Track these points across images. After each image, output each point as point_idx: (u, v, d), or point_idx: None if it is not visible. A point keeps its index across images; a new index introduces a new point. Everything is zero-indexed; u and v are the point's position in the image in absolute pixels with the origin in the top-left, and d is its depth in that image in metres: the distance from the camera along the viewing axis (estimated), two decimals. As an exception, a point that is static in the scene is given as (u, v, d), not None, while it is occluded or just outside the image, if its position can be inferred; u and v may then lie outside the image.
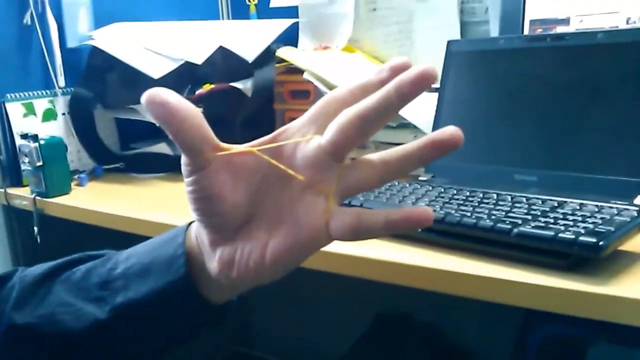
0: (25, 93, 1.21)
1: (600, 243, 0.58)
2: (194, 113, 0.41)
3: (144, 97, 0.39)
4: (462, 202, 0.75)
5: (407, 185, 0.85)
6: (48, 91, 1.25)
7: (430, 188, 0.82)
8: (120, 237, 0.94)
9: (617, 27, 0.96)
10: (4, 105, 1.18)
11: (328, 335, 1.43)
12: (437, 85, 0.99)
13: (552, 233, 0.61)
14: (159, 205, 1.04)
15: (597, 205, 0.69)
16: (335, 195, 0.42)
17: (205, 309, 0.49)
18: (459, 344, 1.31)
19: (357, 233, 0.42)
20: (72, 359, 0.51)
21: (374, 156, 0.42)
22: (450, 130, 0.40)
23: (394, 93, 0.39)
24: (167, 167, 1.23)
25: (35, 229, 1.12)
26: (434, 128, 0.95)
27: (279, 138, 0.44)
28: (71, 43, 1.28)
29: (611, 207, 0.68)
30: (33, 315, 0.51)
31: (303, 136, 0.43)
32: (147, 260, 0.50)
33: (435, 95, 0.97)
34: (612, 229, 0.61)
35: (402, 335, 1.30)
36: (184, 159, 0.43)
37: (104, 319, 0.49)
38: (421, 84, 0.39)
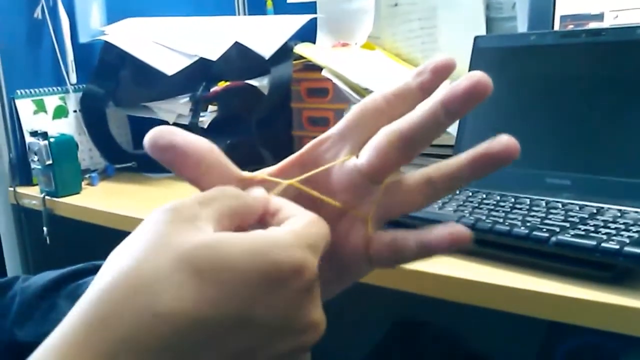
0: (36, 90, 1.18)
1: (648, 254, 0.54)
2: (208, 149, 0.36)
3: (146, 142, 0.34)
4: (492, 207, 0.71)
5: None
6: (59, 88, 1.22)
7: (458, 192, 0.78)
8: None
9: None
10: (14, 102, 1.15)
11: (343, 343, 1.40)
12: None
13: (594, 242, 0.57)
14: (172, 206, 1.00)
15: (638, 212, 0.65)
16: (374, 220, 0.38)
17: None
18: (479, 353, 1.27)
19: (396, 260, 0.38)
20: None
21: (418, 175, 0.37)
22: (505, 140, 0.35)
23: (441, 109, 0.34)
24: (181, 167, 1.19)
25: (45, 229, 1.09)
26: (459, 128, 0.90)
27: (308, 157, 0.38)
28: (83, 38, 1.25)
29: (654, 215, 0.64)
30: (35, 332, 0.47)
31: (336, 154, 0.38)
32: None
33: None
34: (659, 238, 0.57)
35: (419, 343, 1.26)
36: None
37: None
38: (474, 96, 0.34)
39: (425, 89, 0.37)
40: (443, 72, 0.36)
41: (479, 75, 0.34)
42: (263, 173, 0.38)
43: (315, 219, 0.33)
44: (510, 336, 1.12)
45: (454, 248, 0.36)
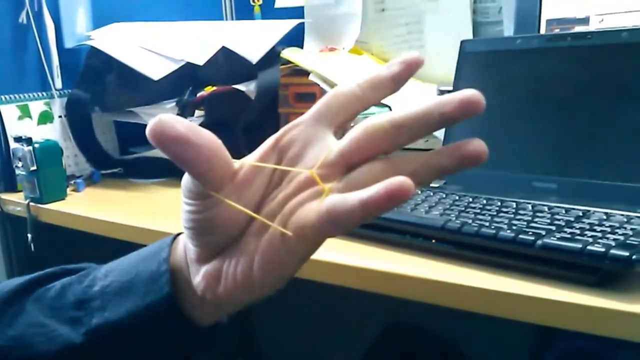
0: (21, 95, 1.17)
1: (634, 257, 0.54)
2: (218, 143, 0.37)
3: (151, 132, 0.34)
4: (478, 211, 0.70)
5: (419, 192, 0.80)
6: (44, 93, 1.21)
7: (444, 195, 0.78)
8: (118, 245, 0.90)
9: (641, 26, 0.91)
10: (-2, 107, 1.14)
11: (336, 347, 1.40)
12: (449, 88, 0.95)
13: (580, 245, 0.57)
14: (159, 212, 0.99)
15: (624, 215, 0.65)
16: (333, 192, 0.37)
17: (191, 331, 0.45)
18: (470, 357, 1.26)
19: (336, 222, 0.35)
20: None
21: (386, 158, 0.38)
22: (475, 143, 0.36)
23: (436, 109, 0.36)
24: (168, 172, 1.19)
25: (29, 236, 1.08)
26: (447, 131, 0.90)
27: (283, 140, 0.39)
28: (69, 43, 1.24)
29: (640, 217, 0.64)
30: (3, 336, 0.46)
31: (310, 135, 0.39)
32: (127, 277, 0.45)
33: (448, 97, 0.92)
34: (645, 241, 0.57)
35: (410, 348, 1.26)
36: (189, 183, 0.38)
37: (79, 342, 0.45)
38: (469, 108, 0.36)
39: (396, 80, 0.38)
40: (413, 65, 0.38)
41: (475, 92, 0.36)
42: (249, 160, 0.40)
43: None
44: (501, 340, 1.12)
45: (398, 199, 0.34)
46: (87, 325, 0.45)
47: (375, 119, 0.37)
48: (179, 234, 0.46)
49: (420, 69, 0.38)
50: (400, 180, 0.32)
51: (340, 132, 0.40)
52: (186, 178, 0.38)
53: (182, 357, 0.47)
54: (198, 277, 0.41)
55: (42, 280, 0.49)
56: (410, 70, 0.38)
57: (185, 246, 0.43)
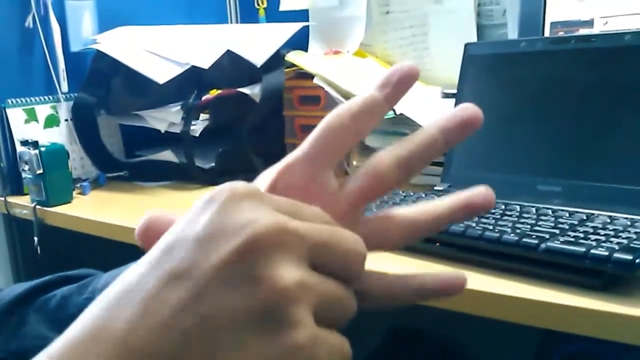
0: (27, 99, 1.18)
1: (637, 260, 0.54)
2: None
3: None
4: (482, 214, 0.70)
5: (423, 195, 0.80)
6: (50, 97, 1.21)
7: (448, 199, 0.78)
8: (124, 248, 0.90)
9: (645, 28, 0.91)
10: (5, 111, 1.14)
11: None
12: (453, 90, 0.95)
13: (583, 249, 0.57)
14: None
15: (628, 219, 0.65)
16: None
17: None
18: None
19: (389, 300, 0.37)
20: None
21: (399, 213, 0.37)
22: (483, 192, 0.36)
23: (440, 136, 0.36)
24: (173, 175, 1.19)
25: (36, 239, 1.09)
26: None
27: (277, 188, 0.36)
28: (74, 47, 1.25)
29: (644, 221, 0.64)
30: (5, 349, 0.47)
31: (307, 182, 0.36)
32: None
33: (452, 100, 0.92)
34: (649, 244, 0.57)
35: (414, 351, 1.26)
36: None
37: None
38: (469, 127, 0.36)
39: (391, 101, 0.36)
40: (408, 81, 0.36)
41: (474, 110, 0.36)
42: None
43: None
44: (505, 343, 1.12)
45: (446, 295, 0.37)
46: None
47: (382, 161, 0.35)
48: None
49: (417, 79, 0.37)
50: (459, 278, 0.37)
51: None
52: None
53: None
54: None
55: (41, 288, 0.49)
56: (407, 87, 0.36)
57: None
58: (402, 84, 0.36)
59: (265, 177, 0.36)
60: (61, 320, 0.47)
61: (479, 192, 0.35)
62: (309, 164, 0.36)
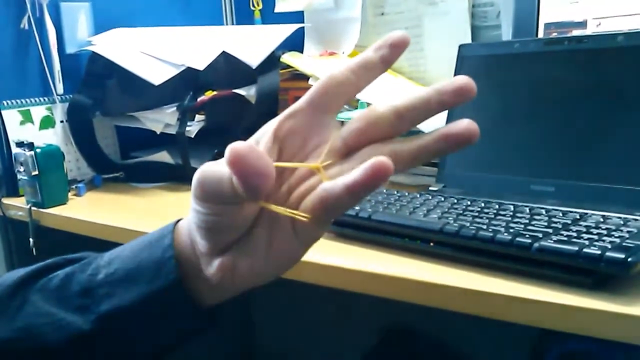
0: (22, 100, 1.18)
1: (629, 259, 0.55)
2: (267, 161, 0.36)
3: (229, 159, 0.34)
4: (476, 214, 0.71)
5: (418, 195, 0.81)
6: (46, 98, 1.21)
7: (442, 199, 0.78)
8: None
9: (638, 29, 0.92)
10: (0, 112, 1.14)
11: (335, 350, 1.40)
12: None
13: (576, 248, 0.57)
14: (160, 216, 1.00)
15: (621, 218, 0.65)
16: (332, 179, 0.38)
17: (197, 314, 0.45)
18: (471, 359, 1.26)
19: (328, 209, 0.38)
20: None
21: (384, 146, 0.39)
22: (465, 122, 0.37)
23: (435, 96, 0.38)
24: (169, 176, 1.19)
25: (31, 240, 1.09)
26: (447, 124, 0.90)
27: (282, 131, 0.41)
28: (70, 49, 1.25)
29: (637, 220, 0.65)
30: (10, 328, 0.47)
31: (308, 126, 0.41)
32: (132, 264, 0.46)
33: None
34: (640, 243, 0.57)
35: (411, 350, 1.26)
36: (222, 189, 0.37)
37: (88, 329, 0.46)
38: (464, 92, 0.37)
39: (386, 61, 0.40)
40: (400, 45, 0.39)
41: (468, 79, 0.38)
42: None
43: None
44: (501, 342, 1.12)
45: (380, 179, 0.35)
46: (96, 313, 0.46)
47: (378, 107, 0.39)
48: (179, 220, 0.47)
49: (408, 45, 0.40)
50: (380, 161, 0.33)
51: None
52: (206, 184, 0.38)
53: (187, 338, 0.48)
54: (212, 268, 0.42)
55: (43, 271, 0.49)
56: (398, 51, 0.39)
57: (192, 238, 0.44)
58: (395, 47, 0.39)
59: (271, 123, 0.41)
60: (65, 296, 0.47)
61: (461, 122, 0.37)
62: (311, 109, 0.41)
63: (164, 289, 0.44)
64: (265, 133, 0.41)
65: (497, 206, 0.73)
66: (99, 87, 1.24)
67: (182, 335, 0.48)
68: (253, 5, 1.53)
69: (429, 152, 0.38)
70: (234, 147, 0.34)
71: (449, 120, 0.91)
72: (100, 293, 0.46)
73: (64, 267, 0.49)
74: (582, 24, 0.98)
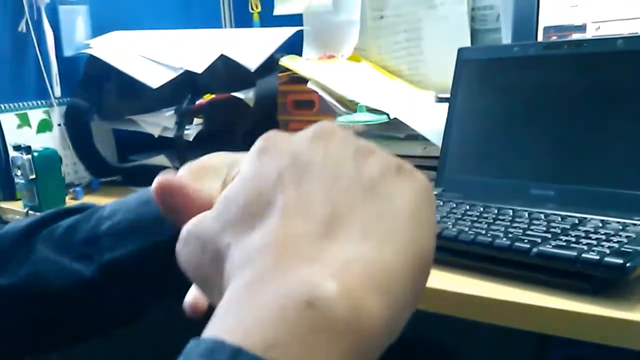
0: (20, 103, 1.17)
1: (628, 264, 0.54)
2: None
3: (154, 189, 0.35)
4: (475, 218, 0.71)
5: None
6: (43, 101, 1.21)
7: (441, 203, 0.78)
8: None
9: (637, 33, 0.91)
10: (-2, 116, 1.14)
11: None
12: (447, 95, 0.95)
13: (574, 253, 0.57)
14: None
15: (620, 223, 0.65)
16: None
17: None
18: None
19: None
20: (57, 317, 0.50)
21: None
22: None
23: None
24: (166, 180, 1.18)
25: (28, 244, 1.08)
26: (444, 139, 0.90)
27: None
28: (68, 52, 1.24)
29: (635, 225, 0.64)
30: (17, 274, 0.49)
31: None
32: (133, 217, 0.48)
33: (446, 105, 0.92)
34: (639, 248, 0.57)
35: (409, 356, 1.25)
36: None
37: (90, 276, 0.48)
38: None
39: None
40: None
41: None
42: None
43: None
44: (500, 348, 1.12)
45: None
46: (98, 262, 0.48)
47: None
48: None
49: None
50: None
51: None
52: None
53: (185, 284, 0.49)
54: None
55: (47, 220, 0.51)
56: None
57: None
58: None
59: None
60: (69, 245, 0.49)
61: None
62: None
63: (163, 242, 0.45)
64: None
65: (496, 211, 0.73)
66: (97, 90, 1.23)
67: (181, 281, 0.49)
68: (252, 8, 1.53)
69: None
70: (157, 179, 0.35)
71: (448, 124, 0.90)
72: (103, 243, 0.48)
73: (67, 217, 0.51)
74: (582, 28, 0.98)
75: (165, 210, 0.36)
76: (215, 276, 0.27)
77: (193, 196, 0.35)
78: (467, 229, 0.66)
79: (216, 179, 0.38)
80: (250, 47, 1.18)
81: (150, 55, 1.17)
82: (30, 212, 1.07)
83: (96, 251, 0.48)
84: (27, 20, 1.17)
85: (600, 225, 0.65)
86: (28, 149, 1.05)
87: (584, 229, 0.64)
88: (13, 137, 1.15)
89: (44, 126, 1.20)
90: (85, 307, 0.50)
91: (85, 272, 0.48)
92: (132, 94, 1.19)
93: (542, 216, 0.69)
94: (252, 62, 1.14)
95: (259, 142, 0.30)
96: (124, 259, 0.47)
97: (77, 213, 0.51)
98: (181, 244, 0.30)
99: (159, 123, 1.17)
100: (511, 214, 0.72)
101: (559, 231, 0.64)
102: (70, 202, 1.12)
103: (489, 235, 0.64)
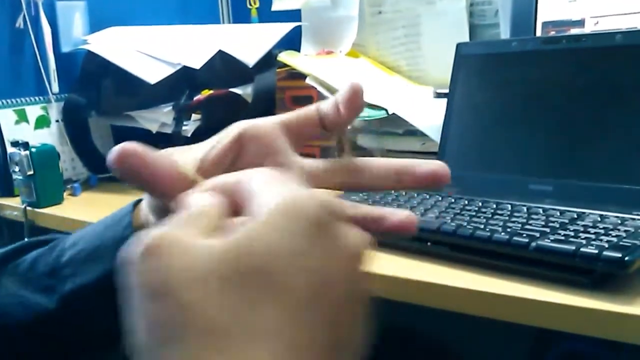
0: (17, 99, 1.17)
1: (626, 258, 0.54)
2: (167, 164, 0.36)
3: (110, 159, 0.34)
4: (474, 213, 0.70)
5: (415, 195, 0.80)
6: (41, 97, 1.21)
7: (440, 198, 0.78)
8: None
9: (636, 28, 0.91)
10: (-5, 112, 1.14)
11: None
12: (445, 90, 0.95)
13: (573, 247, 0.57)
14: (155, 215, 0.99)
15: (618, 217, 0.65)
16: None
17: None
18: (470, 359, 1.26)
19: None
20: (20, 351, 0.49)
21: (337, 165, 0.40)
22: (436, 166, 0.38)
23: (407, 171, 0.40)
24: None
25: (26, 240, 1.08)
26: (443, 135, 0.90)
27: (246, 136, 0.40)
28: (65, 48, 1.24)
29: (634, 219, 0.64)
30: None
31: (273, 142, 0.40)
32: (94, 244, 0.48)
33: (444, 100, 0.92)
34: (638, 242, 0.57)
35: (408, 351, 1.25)
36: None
37: (53, 308, 0.47)
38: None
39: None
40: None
41: (439, 165, 0.38)
42: (210, 156, 0.39)
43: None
44: (500, 342, 1.12)
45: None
46: (60, 292, 0.47)
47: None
48: (139, 200, 0.48)
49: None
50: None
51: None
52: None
53: None
54: None
55: (14, 254, 0.51)
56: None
57: (147, 218, 0.44)
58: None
59: (244, 122, 0.40)
60: (33, 278, 0.49)
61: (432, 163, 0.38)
62: (281, 130, 0.40)
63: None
64: (233, 129, 0.40)
65: (494, 205, 0.73)
66: (95, 86, 1.23)
67: None
68: (250, 4, 1.53)
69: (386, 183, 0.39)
70: (117, 147, 0.34)
71: (447, 119, 0.90)
72: (65, 273, 0.47)
73: (33, 250, 0.51)
74: (580, 23, 0.98)
75: (125, 177, 0.34)
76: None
77: (153, 160, 0.34)
78: (465, 224, 0.66)
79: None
80: (249, 42, 1.18)
81: (148, 51, 1.17)
82: (29, 208, 1.07)
83: (57, 282, 0.48)
84: (24, 16, 1.17)
85: (599, 219, 0.65)
86: (26, 145, 1.05)
87: (583, 223, 0.64)
88: (11, 133, 1.15)
89: (42, 122, 1.20)
90: (48, 339, 0.49)
91: (47, 304, 0.47)
92: (130, 89, 1.19)
93: (541, 211, 0.69)
94: (250, 57, 1.14)
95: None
96: (84, 287, 0.47)
97: (42, 244, 0.51)
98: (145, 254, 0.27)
99: (157, 119, 1.17)
100: (510, 208, 0.71)
101: (558, 225, 0.63)
102: (68, 198, 1.12)
103: (487, 229, 0.64)
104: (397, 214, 0.37)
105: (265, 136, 0.40)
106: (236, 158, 0.39)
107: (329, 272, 0.28)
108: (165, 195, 0.35)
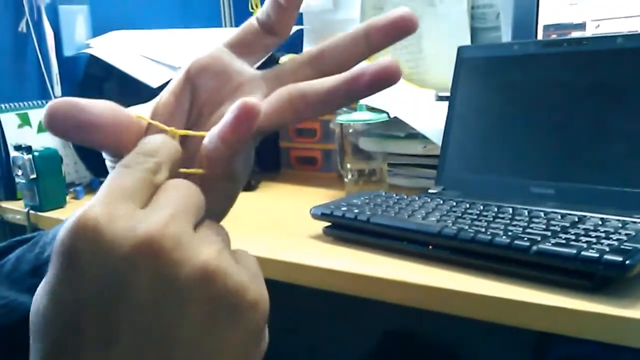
0: (20, 103, 1.17)
1: (627, 262, 0.54)
2: (107, 109, 0.34)
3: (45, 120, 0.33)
4: (475, 217, 0.71)
5: (417, 198, 0.80)
6: (44, 101, 1.21)
7: (441, 202, 0.78)
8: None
9: (637, 31, 0.91)
10: (-2, 115, 1.14)
11: (334, 354, 1.39)
12: (447, 93, 0.95)
13: (574, 251, 0.57)
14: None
15: (620, 220, 0.65)
16: None
17: None
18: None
19: (214, 162, 0.35)
20: (8, 355, 0.47)
21: (295, 87, 0.35)
22: (386, 62, 0.33)
23: (362, 37, 0.35)
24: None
25: (29, 244, 1.08)
26: (444, 138, 0.90)
27: (194, 68, 0.38)
28: (68, 51, 1.25)
29: (635, 222, 0.64)
30: None
31: (222, 64, 0.38)
32: None
33: (446, 103, 0.93)
34: (639, 246, 0.57)
35: (410, 354, 1.25)
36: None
37: None
38: (397, 30, 0.34)
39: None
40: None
41: (404, 10, 0.34)
42: (164, 98, 0.37)
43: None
44: (500, 346, 1.12)
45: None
46: None
47: (295, 57, 0.37)
48: None
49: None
50: (243, 102, 0.31)
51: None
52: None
53: None
54: None
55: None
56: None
57: None
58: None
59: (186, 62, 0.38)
60: (17, 279, 0.47)
61: (381, 60, 0.33)
62: (228, 48, 0.38)
63: None
64: (178, 72, 0.38)
65: (495, 209, 0.73)
66: (97, 90, 1.23)
67: None
68: (252, 7, 1.53)
69: (339, 96, 0.34)
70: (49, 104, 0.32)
71: (448, 122, 0.90)
72: (47, 270, 0.47)
73: (16, 249, 0.50)
74: (581, 26, 0.98)
75: (65, 132, 0.33)
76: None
77: (89, 104, 0.33)
78: (467, 227, 0.66)
79: None
80: (250, 46, 1.18)
81: (151, 54, 1.17)
82: (31, 211, 1.08)
83: (40, 280, 0.47)
84: (27, 20, 1.18)
85: (600, 223, 0.65)
86: (29, 149, 1.05)
87: (584, 226, 0.64)
88: (14, 136, 1.15)
89: (45, 126, 1.20)
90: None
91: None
92: (132, 93, 1.18)
93: (542, 214, 0.70)
94: (252, 61, 1.14)
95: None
96: None
97: (25, 243, 0.49)
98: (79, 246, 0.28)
99: (159, 122, 1.17)
100: (511, 212, 0.72)
101: (559, 229, 0.64)
102: (71, 202, 1.13)
103: (488, 233, 0.64)
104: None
105: (214, 63, 0.38)
106: (193, 97, 0.37)
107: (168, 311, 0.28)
108: (121, 145, 0.34)
